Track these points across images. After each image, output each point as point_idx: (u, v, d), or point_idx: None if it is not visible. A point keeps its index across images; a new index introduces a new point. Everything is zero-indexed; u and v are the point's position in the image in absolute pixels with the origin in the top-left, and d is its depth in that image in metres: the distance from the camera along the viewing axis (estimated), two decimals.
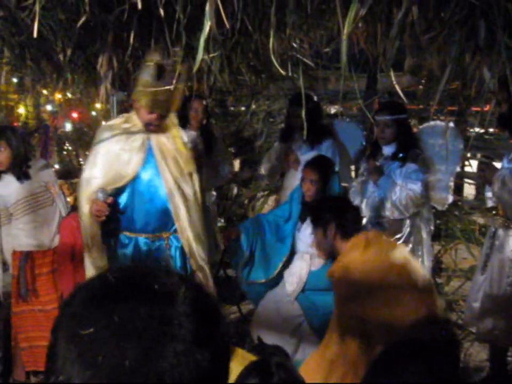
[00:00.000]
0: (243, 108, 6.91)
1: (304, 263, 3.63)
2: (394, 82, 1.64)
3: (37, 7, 1.70)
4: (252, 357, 1.87)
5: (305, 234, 3.66)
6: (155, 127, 3.22)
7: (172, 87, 2.99)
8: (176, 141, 3.34)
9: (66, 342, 0.77)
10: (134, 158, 3.21)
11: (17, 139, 3.79)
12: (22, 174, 3.81)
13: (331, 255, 3.01)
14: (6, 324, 3.99)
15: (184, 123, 4.84)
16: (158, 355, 0.74)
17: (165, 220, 3.30)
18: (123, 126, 3.28)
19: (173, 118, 3.37)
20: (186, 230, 3.26)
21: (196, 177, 3.36)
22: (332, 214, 2.90)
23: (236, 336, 4.07)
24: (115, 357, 0.73)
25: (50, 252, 3.93)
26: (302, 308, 3.57)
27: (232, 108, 7.16)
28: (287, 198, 4.10)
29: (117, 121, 3.37)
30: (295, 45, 4.04)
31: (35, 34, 1.83)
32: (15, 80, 6.31)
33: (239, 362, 1.69)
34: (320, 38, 4.11)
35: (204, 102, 4.80)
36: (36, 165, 3.95)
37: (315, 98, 4.80)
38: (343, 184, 4.20)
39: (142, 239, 3.30)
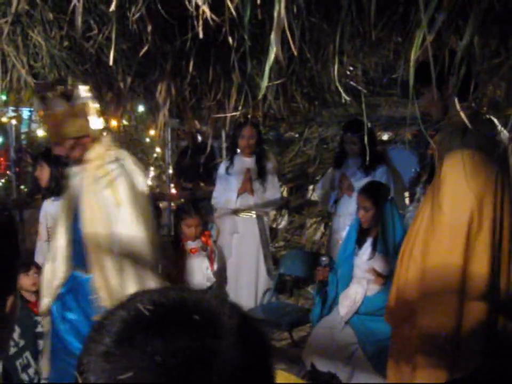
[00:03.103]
0: (296, 135, 6.94)
1: (360, 288, 3.60)
2: (459, 109, 1.64)
3: (113, 37, 1.77)
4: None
5: (362, 260, 3.64)
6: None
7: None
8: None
9: None
10: None
11: (57, 160, 4.01)
12: (58, 192, 3.98)
13: (441, 117, 2.73)
14: None
15: (234, 149, 4.91)
16: None
17: None
18: None
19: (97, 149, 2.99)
20: None
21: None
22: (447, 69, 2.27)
23: (287, 363, 4.04)
24: None
25: None
26: (356, 333, 3.52)
27: (286, 135, 7.20)
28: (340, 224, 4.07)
29: None
30: (348, 72, 4.06)
31: (111, 63, 1.90)
32: None
33: None
34: (375, 65, 4.13)
35: (255, 129, 4.85)
36: None
37: (369, 124, 4.79)
38: None
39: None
